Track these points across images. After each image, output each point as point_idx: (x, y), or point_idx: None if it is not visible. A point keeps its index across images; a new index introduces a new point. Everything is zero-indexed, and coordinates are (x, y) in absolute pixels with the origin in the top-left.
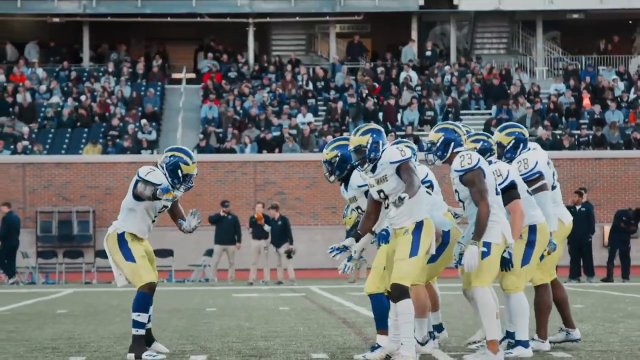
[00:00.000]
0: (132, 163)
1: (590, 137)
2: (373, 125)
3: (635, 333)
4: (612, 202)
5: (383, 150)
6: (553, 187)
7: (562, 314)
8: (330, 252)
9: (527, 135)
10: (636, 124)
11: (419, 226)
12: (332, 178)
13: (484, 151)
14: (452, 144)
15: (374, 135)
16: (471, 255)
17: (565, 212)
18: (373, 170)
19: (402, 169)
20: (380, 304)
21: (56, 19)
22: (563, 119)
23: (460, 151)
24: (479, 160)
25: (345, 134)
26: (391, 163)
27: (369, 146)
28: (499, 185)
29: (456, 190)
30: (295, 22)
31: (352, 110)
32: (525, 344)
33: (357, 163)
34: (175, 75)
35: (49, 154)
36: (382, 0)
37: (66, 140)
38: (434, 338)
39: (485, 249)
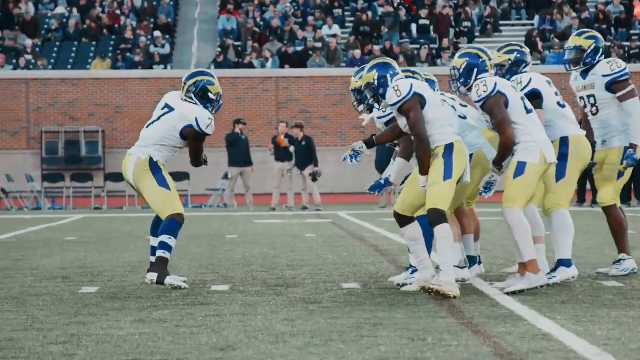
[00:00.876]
0: (143, 79)
1: None
2: (377, 60)
3: None
4: None
5: (375, 88)
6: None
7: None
8: (344, 160)
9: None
10: None
11: (448, 149)
12: (361, 107)
13: (518, 63)
14: (476, 70)
15: (380, 71)
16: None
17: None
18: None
19: (403, 110)
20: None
21: None
22: (612, 29)
23: (482, 77)
24: (495, 85)
25: (374, 47)
26: (390, 106)
27: (376, 82)
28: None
29: (487, 121)
30: None
31: (389, 21)
32: (567, 263)
33: (371, 101)
34: None
35: (54, 69)
36: None
37: (72, 55)
38: (479, 263)
39: (518, 169)
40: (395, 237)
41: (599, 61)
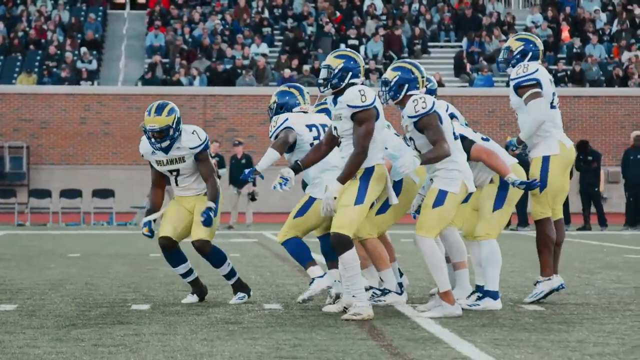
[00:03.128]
0: (70, 95)
1: (569, 72)
2: (352, 52)
3: (612, 285)
4: (592, 144)
5: (349, 85)
6: (553, 106)
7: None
8: (274, 189)
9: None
10: (619, 59)
11: (368, 172)
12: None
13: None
14: (407, 85)
15: (347, 63)
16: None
17: (564, 136)
18: (334, 102)
19: (357, 118)
20: (295, 245)
21: None
22: None
23: (413, 94)
24: (433, 103)
25: (304, 67)
26: (348, 106)
27: (335, 71)
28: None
29: (410, 138)
30: None
31: (323, 41)
32: (494, 295)
33: (319, 82)
34: None
35: None
36: None
37: None
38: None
39: (438, 198)
40: (319, 257)
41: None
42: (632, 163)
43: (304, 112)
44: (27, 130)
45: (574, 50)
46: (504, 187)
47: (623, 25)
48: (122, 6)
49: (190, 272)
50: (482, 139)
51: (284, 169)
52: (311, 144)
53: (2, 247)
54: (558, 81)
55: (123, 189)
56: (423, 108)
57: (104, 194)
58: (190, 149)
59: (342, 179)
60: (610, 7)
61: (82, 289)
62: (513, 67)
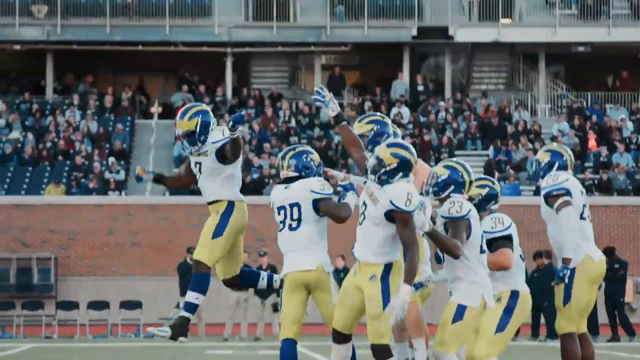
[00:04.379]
0: (97, 205)
1: (596, 181)
2: (406, 150)
3: None
4: (620, 254)
5: (392, 170)
6: (582, 217)
7: None
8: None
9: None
10: None
11: (387, 269)
12: None
13: (489, 198)
14: (453, 187)
15: (403, 159)
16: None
17: (594, 249)
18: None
19: (399, 218)
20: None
21: (18, 47)
22: None
23: (454, 196)
24: (469, 211)
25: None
26: (391, 202)
27: (387, 167)
28: (498, 232)
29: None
30: (277, 53)
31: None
32: None
33: (368, 170)
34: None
35: (7, 194)
36: (372, 29)
37: (26, 180)
38: None
39: (458, 313)
40: None
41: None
42: None
43: None
44: (55, 241)
45: (601, 159)
46: (508, 311)
47: None
48: (150, 116)
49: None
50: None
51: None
52: None
53: None
54: (585, 190)
55: (150, 300)
56: (457, 212)
57: (131, 305)
58: (212, 143)
59: (409, 280)
60: (636, 116)
61: None
62: (542, 178)
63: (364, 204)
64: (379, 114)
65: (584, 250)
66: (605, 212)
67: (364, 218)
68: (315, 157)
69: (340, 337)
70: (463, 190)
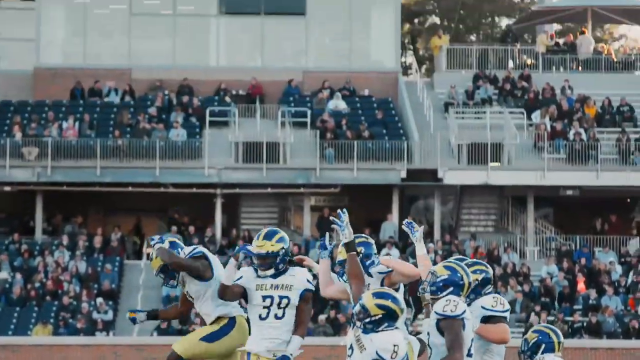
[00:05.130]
0: (85, 345)
1: (585, 324)
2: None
3: None
4: None
5: (377, 320)
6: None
7: None
8: None
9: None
10: (635, 311)
11: None
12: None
13: (485, 282)
14: (451, 288)
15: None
16: None
17: None
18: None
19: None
20: None
21: (7, 188)
22: (556, 303)
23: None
24: (464, 312)
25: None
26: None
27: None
28: (499, 311)
29: (428, 333)
30: (266, 194)
31: None
32: None
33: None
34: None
35: None
36: (361, 171)
37: (14, 320)
38: None
39: None
40: None
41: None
42: None
43: None
44: None
45: (590, 301)
46: None
47: (639, 277)
48: (134, 256)
49: None
50: None
51: None
52: None
53: None
54: (574, 332)
55: None
56: (452, 311)
57: None
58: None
59: None
60: (624, 259)
61: None
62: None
63: (351, 347)
64: (363, 235)
65: None
66: (594, 355)
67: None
68: None
69: None
70: (461, 293)
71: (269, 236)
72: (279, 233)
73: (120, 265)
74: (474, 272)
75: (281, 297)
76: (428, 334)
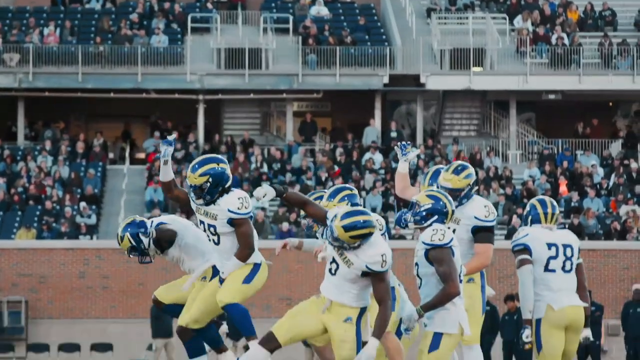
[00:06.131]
0: (69, 249)
1: (567, 226)
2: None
3: None
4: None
5: (355, 246)
6: (549, 269)
7: None
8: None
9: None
10: (616, 213)
11: (362, 313)
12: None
13: (474, 184)
14: (435, 217)
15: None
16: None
17: (558, 298)
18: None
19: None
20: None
21: None
22: None
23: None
24: (451, 239)
25: (302, 220)
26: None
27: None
28: (490, 222)
29: (416, 264)
30: (249, 100)
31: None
32: None
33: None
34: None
35: None
36: (344, 77)
37: None
38: None
39: (433, 342)
40: None
41: None
42: (632, 316)
43: None
44: (25, 284)
45: (572, 204)
46: (484, 288)
47: (620, 180)
48: (121, 161)
49: None
50: None
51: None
52: None
53: None
54: None
55: (121, 343)
56: (440, 240)
57: (102, 347)
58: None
59: (379, 334)
60: (607, 162)
61: None
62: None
63: (335, 261)
64: (347, 186)
65: (545, 301)
66: None
67: (336, 274)
68: None
69: (272, 344)
70: (445, 220)
71: (194, 169)
72: (205, 165)
73: (103, 171)
74: (466, 177)
75: (209, 225)
76: (416, 264)
